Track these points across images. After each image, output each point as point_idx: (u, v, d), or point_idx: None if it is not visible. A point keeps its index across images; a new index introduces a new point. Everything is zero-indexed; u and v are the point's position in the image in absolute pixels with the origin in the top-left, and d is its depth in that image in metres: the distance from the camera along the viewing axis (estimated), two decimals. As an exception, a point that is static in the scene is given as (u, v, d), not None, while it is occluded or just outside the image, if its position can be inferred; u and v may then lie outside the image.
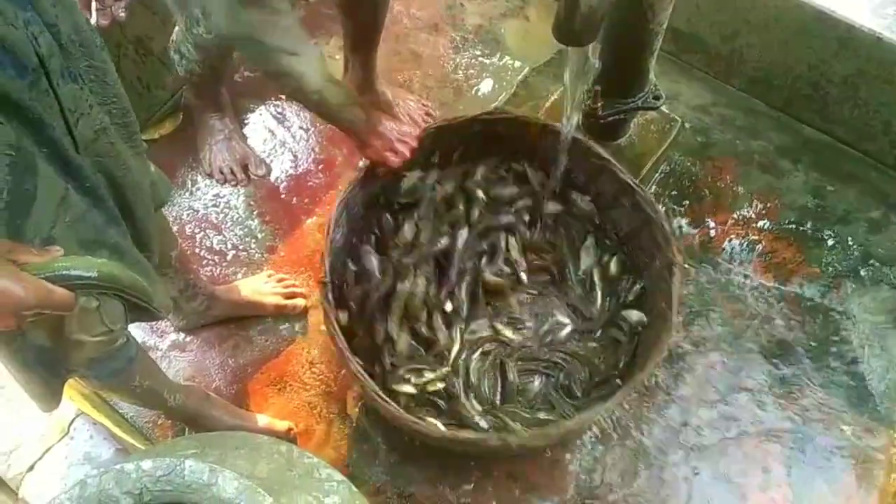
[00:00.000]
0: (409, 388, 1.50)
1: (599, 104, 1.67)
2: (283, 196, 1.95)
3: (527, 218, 1.71)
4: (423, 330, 1.58)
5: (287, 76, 1.28)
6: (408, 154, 1.51)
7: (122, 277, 0.81)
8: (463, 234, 1.64)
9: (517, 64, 2.15)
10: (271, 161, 2.00)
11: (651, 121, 1.96)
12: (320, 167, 1.99)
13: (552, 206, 1.71)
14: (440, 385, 1.52)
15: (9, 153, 0.78)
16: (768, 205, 1.89)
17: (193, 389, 1.55)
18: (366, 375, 1.35)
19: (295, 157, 2.01)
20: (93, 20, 1.39)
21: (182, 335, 1.76)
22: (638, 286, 1.60)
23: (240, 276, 1.83)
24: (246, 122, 2.07)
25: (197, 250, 1.87)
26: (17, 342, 1.00)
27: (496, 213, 1.68)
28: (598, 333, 1.61)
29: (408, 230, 1.65)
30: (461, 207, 1.67)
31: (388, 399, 1.33)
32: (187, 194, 1.95)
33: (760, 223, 1.87)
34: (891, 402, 1.64)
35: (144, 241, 1.11)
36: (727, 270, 1.80)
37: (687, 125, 2.00)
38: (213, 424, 1.52)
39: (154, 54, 1.96)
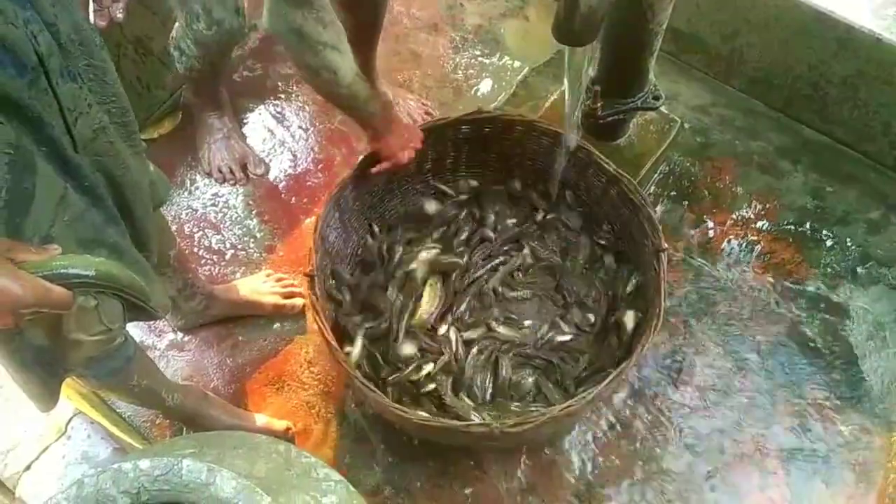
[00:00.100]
0: (411, 349, 1.54)
1: (599, 104, 1.67)
2: (282, 195, 1.95)
3: (532, 227, 1.74)
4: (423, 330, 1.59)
5: (326, 70, 1.29)
6: (413, 154, 1.53)
7: (120, 276, 0.81)
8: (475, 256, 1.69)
9: (517, 64, 2.15)
10: (270, 160, 2.00)
11: (650, 121, 1.96)
12: (319, 167, 1.99)
13: (547, 214, 1.74)
14: (435, 382, 1.52)
15: (8, 151, 0.78)
16: (767, 205, 1.89)
17: (191, 389, 1.55)
18: (351, 364, 1.35)
19: (294, 156, 2.01)
20: (90, 21, 1.39)
21: (180, 334, 1.76)
22: (634, 279, 1.60)
23: (238, 275, 1.83)
24: (245, 121, 2.07)
25: (195, 250, 1.86)
26: (16, 341, 1.00)
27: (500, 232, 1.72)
28: (594, 336, 1.61)
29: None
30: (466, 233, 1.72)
31: (372, 387, 1.33)
32: (186, 194, 1.95)
33: (759, 224, 1.87)
34: (889, 402, 1.64)
35: (143, 240, 1.11)
36: (726, 271, 1.80)
37: (686, 125, 2.00)
38: (212, 424, 1.52)
39: (153, 54, 1.96)
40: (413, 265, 1.63)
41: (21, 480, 1.55)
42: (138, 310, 1.07)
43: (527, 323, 1.64)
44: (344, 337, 1.55)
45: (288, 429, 1.60)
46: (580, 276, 1.68)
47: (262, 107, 2.10)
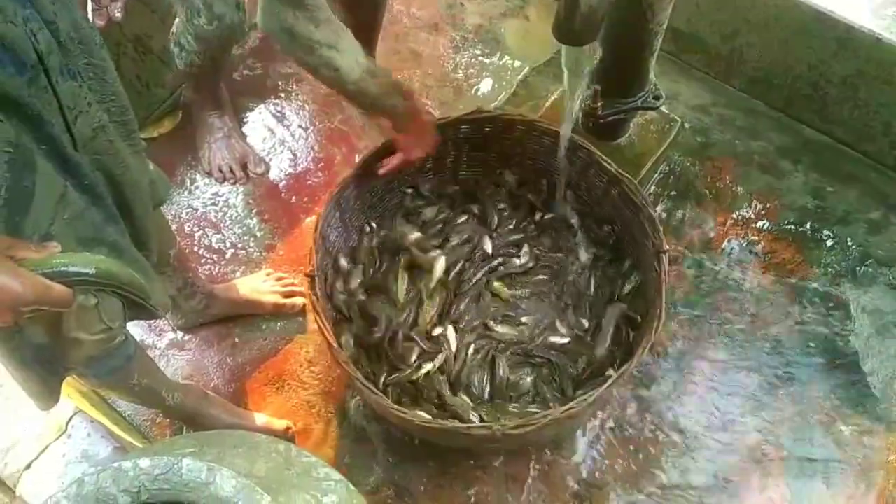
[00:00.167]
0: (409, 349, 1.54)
1: (599, 104, 1.67)
2: (282, 195, 1.95)
3: (531, 227, 1.74)
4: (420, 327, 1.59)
5: (325, 68, 1.28)
6: (424, 153, 1.54)
7: (119, 274, 0.81)
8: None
9: (517, 63, 2.15)
10: (270, 159, 2.00)
11: (651, 121, 1.96)
12: (319, 166, 1.99)
13: (546, 214, 1.74)
14: (434, 380, 1.52)
15: (7, 150, 0.78)
16: (768, 205, 1.89)
17: (192, 388, 1.55)
18: (352, 365, 1.35)
19: (294, 155, 2.01)
20: (89, 19, 1.39)
21: (180, 334, 1.75)
22: (634, 280, 1.60)
23: (238, 274, 1.83)
24: (245, 120, 2.07)
25: (196, 249, 1.86)
26: (16, 340, 1.00)
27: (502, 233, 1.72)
28: (593, 337, 1.61)
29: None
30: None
31: (373, 388, 1.33)
32: (186, 193, 1.95)
33: (760, 223, 1.86)
34: (890, 403, 1.64)
35: (143, 239, 1.11)
36: (726, 271, 1.80)
37: (687, 125, 2.00)
38: (212, 423, 1.52)
39: (153, 53, 1.96)
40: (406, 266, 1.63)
41: (21, 479, 1.55)
42: (138, 308, 1.07)
43: (524, 319, 1.64)
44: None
45: (288, 428, 1.59)
46: (580, 276, 1.68)
47: (262, 106, 2.09)
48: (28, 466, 1.56)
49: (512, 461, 1.58)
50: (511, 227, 1.73)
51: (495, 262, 1.69)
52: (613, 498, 1.55)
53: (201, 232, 1.89)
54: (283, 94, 2.11)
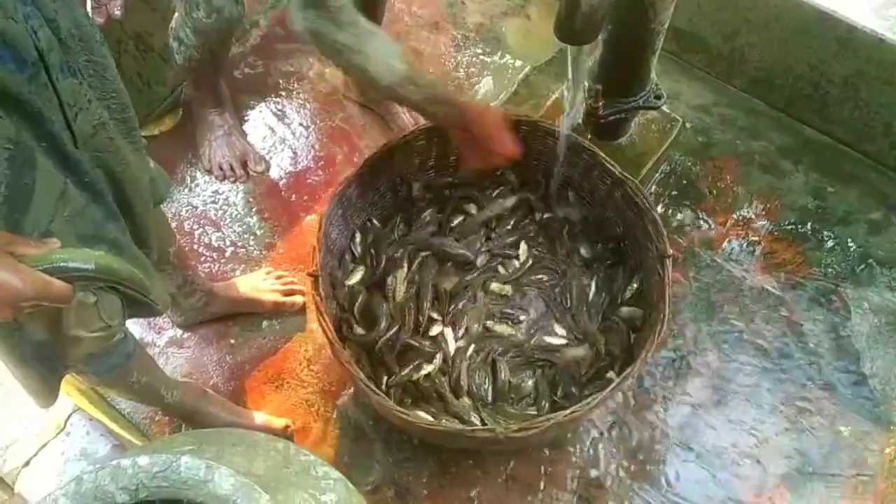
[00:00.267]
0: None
1: (600, 103, 1.67)
2: (282, 193, 1.95)
3: (531, 227, 1.74)
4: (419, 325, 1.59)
5: (354, 71, 1.28)
6: (497, 162, 1.47)
7: (119, 270, 0.81)
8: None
9: (518, 63, 2.15)
10: (271, 158, 2.00)
11: (652, 120, 1.96)
12: (320, 164, 1.99)
13: (545, 213, 1.74)
14: (435, 380, 1.52)
15: (7, 147, 0.78)
16: (768, 205, 1.89)
17: (191, 386, 1.55)
18: (355, 366, 1.35)
19: (294, 154, 2.01)
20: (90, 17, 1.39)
21: (180, 332, 1.75)
22: (636, 283, 1.60)
23: (238, 272, 1.83)
24: (246, 118, 2.07)
25: (195, 247, 1.86)
26: (16, 337, 1.00)
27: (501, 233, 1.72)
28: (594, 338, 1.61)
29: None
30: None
31: (375, 389, 1.33)
32: (186, 191, 1.95)
33: (760, 224, 1.86)
34: (889, 404, 1.64)
35: (143, 236, 1.11)
36: (727, 271, 1.80)
37: (688, 125, 2.00)
38: (211, 421, 1.52)
39: (154, 50, 1.95)
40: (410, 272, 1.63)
41: (20, 476, 1.55)
42: (138, 306, 1.07)
43: (522, 318, 1.64)
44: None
45: (287, 426, 1.59)
46: (580, 277, 1.67)
47: (262, 104, 2.09)
48: (27, 464, 1.56)
49: (512, 461, 1.58)
50: (510, 227, 1.73)
51: (494, 263, 1.69)
52: (614, 498, 1.55)
53: (201, 230, 1.89)
54: (283, 93, 2.11)
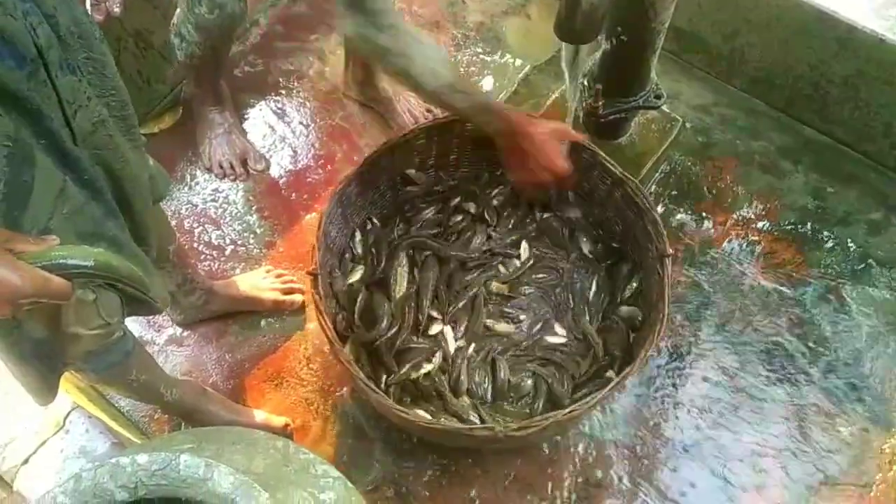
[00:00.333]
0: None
1: (600, 103, 1.67)
2: (282, 191, 1.95)
3: (530, 226, 1.74)
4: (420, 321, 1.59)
5: (399, 75, 1.29)
6: (551, 178, 1.43)
7: (118, 267, 0.80)
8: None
9: (518, 62, 2.15)
10: (271, 156, 2.00)
11: (652, 120, 1.96)
12: (320, 163, 1.99)
13: (545, 213, 1.73)
14: (435, 379, 1.52)
15: (6, 144, 0.77)
16: (768, 205, 1.89)
17: (190, 384, 1.55)
18: (354, 365, 1.35)
19: (294, 152, 2.01)
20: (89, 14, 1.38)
21: (179, 330, 1.75)
22: (636, 283, 1.60)
23: (238, 271, 1.83)
24: (246, 116, 2.07)
25: (195, 245, 1.86)
26: (15, 335, 1.00)
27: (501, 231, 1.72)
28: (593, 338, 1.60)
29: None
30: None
31: (375, 388, 1.33)
32: (186, 189, 1.95)
33: (760, 224, 1.86)
34: (889, 404, 1.64)
35: (142, 234, 1.11)
36: (726, 271, 1.80)
37: (688, 125, 2.00)
38: (210, 419, 1.52)
39: (154, 48, 1.95)
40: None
41: (19, 474, 1.55)
42: (137, 304, 1.07)
43: (522, 317, 1.64)
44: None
45: (286, 425, 1.59)
46: (580, 277, 1.67)
47: (262, 102, 2.09)
48: (25, 461, 1.56)
49: (511, 460, 1.58)
50: (510, 226, 1.73)
51: (495, 262, 1.69)
52: (610, 496, 1.55)
53: (201, 228, 1.89)
54: (283, 91, 2.11)
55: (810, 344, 1.71)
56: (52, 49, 0.82)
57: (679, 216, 1.88)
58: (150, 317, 1.73)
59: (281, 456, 0.98)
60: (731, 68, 2.04)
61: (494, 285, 1.66)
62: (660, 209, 1.88)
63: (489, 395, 1.53)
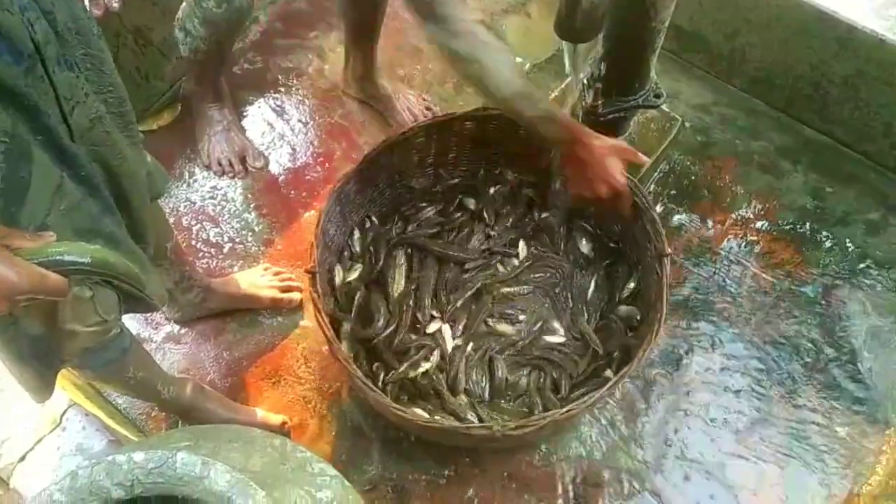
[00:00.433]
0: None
1: (600, 102, 1.67)
2: (281, 189, 1.94)
3: (529, 225, 1.74)
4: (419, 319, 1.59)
5: (473, 81, 1.29)
6: (608, 190, 1.39)
7: (115, 264, 0.80)
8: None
9: (518, 60, 2.14)
10: (269, 154, 2.00)
11: (651, 119, 1.95)
12: (319, 161, 1.99)
13: (544, 212, 1.73)
14: (433, 377, 1.52)
15: (4, 140, 0.77)
16: (767, 205, 1.89)
17: (188, 382, 1.54)
18: (352, 363, 1.35)
19: (293, 150, 2.01)
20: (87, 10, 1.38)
21: (177, 327, 1.75)
22: (634, 282, 1.59)
23: (236, 268, 1.82)
24: (245, 114, 2.06)
25: (193, 242, 1.86)
26: (11, 331, 1.00)
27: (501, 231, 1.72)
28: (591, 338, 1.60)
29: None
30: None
31: (372, 386, 1.33)
32: (184, 186, 1.94)
33: (759, 224, 1.86)
34: (887, 404, 1.64)
35: (140, 231, 1.10)
36: (725, 270, 1.80)
37: (687, 124, 2.00)
38: (207, 417, 1.52)
39: (153, 44, 1.95)
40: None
41: (15, 471, 1.54)
42: (135, 301, 1.07)
43: (521, 317, 1.63)
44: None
45: (284, 423, 1.59)
46: (579, 276, 1.67)
47: (261, 100, 2.09)
48: (22, 459, 1.55)
49: (509, 459, 1.58)
50: (508, 224, 1.73)
51: (494, 261, 1.69)
52: (611, 497, 1.55)
53: (199, 225, 1.89)
54: (283, 89, 2.10)
55: (808, 344, 1.71)
56: (49, 45, 0.81)
57: (678, 216, 1.88)
58: (148, 314, 1.73)
59: (278, 454, 0.98)
60: (731, 68, 2.04)
61: (493, 284, 1.66)
62: (659, 208, 1.88)
63: (487, 394, 1.53)
